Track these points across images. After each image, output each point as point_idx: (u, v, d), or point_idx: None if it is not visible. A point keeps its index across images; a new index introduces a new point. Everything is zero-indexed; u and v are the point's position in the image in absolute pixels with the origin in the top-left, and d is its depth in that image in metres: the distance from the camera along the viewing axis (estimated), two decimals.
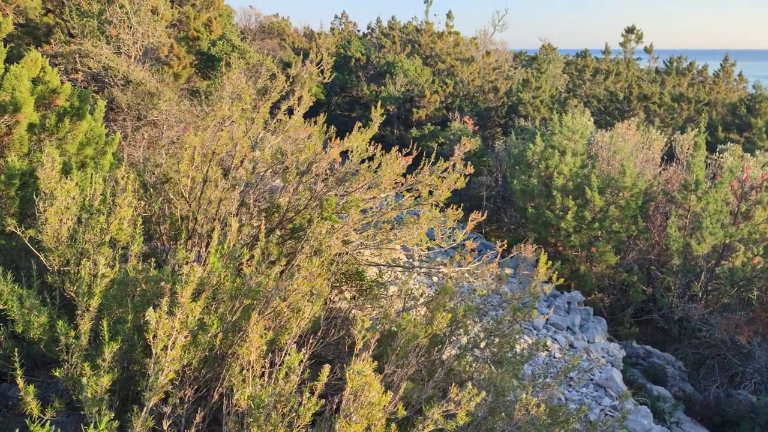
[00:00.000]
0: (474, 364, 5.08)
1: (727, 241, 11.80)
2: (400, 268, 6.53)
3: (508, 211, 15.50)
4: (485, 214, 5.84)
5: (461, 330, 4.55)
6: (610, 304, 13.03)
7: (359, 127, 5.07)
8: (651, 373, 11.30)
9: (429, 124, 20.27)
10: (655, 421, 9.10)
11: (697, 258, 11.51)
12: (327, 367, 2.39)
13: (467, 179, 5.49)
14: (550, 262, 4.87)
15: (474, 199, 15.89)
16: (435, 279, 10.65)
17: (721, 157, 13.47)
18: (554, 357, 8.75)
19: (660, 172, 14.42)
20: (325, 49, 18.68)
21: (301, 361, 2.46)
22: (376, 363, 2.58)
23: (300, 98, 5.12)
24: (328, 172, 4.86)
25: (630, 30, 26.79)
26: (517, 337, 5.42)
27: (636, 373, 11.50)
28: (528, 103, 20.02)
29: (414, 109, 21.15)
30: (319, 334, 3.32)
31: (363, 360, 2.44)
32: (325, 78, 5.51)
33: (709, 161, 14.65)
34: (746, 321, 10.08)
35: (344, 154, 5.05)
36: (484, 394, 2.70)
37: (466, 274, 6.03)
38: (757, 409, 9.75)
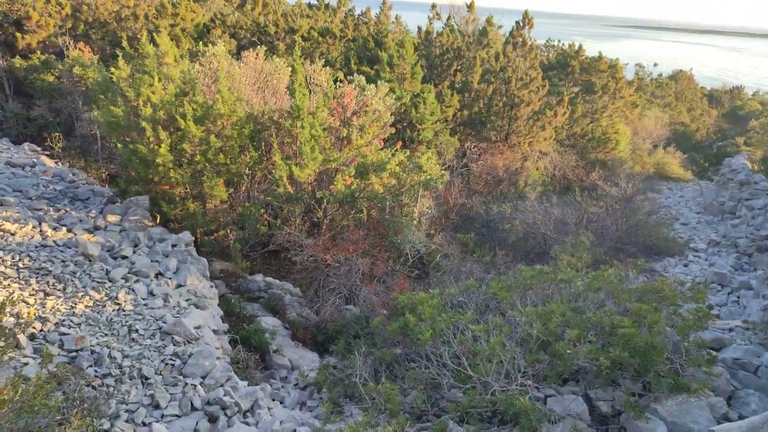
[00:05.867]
0: None
1: (334, 166, 12.19)
2: None
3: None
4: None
5: None
6: (237, 240, 12.57)
7: None
8: (271, 303, 11.20)
9: (39, 52, 16.68)
10: (247, 349, 8.85)
11: (303, 184, 11.62)
12: None
13: None
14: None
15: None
16: None
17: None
18: (123, 311, 7.63)
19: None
20: None
21: None
22: None
23: None
24: None
25: None
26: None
27: (256, 306, 11.26)
28: (166, 31, 17.99)
29: (19, 34, 17.14)
30: None
31: None
32: None
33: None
34: (329, 239, 10.44)
35: None
36: None
37: None
38: (356, 317, 10.28)
